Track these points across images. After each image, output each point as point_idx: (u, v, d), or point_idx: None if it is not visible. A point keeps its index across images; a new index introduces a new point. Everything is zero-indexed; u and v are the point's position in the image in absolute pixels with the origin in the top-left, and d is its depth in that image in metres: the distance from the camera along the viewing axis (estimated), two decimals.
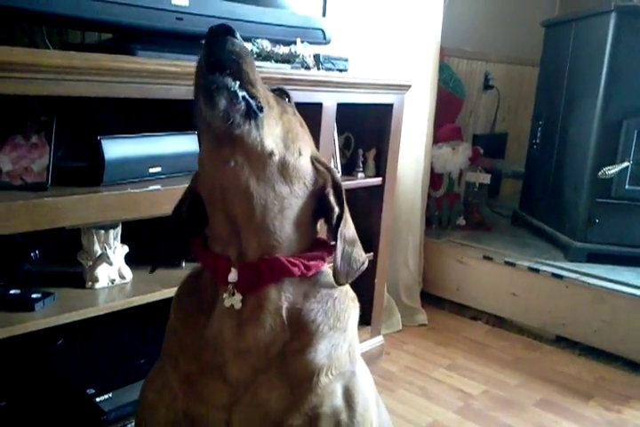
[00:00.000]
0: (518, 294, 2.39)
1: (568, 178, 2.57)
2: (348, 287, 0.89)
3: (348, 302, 0.87)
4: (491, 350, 2.22)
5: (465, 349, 2.21)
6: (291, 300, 0.80)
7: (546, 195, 2.76)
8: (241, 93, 0.71)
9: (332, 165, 1.69)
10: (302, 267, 0.80)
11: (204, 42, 0.72)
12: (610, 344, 2.15)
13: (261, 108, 0.74)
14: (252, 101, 0.72)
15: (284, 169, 0.77)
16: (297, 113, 0.86)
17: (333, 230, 0.84)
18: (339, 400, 0.81)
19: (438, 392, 1.88)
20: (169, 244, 0.89)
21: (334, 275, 0.83)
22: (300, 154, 0.80)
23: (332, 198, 0.83)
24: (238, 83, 0.71)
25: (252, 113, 0.72)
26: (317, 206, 0.84)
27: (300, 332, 0.80)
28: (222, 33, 0.71)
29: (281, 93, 0.84)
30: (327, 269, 0.87)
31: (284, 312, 0.80)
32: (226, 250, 0.79)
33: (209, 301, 0.83)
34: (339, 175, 0.86)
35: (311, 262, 0.81)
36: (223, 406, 0.79)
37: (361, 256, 0.87)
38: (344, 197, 0.85)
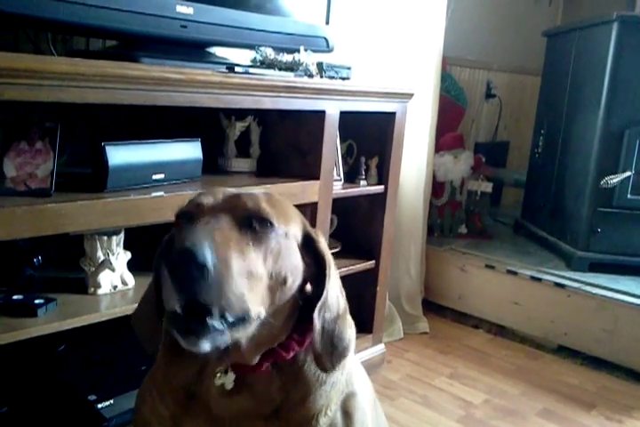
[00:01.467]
0: (520, 303, 2.38)
1: (570, 187, 2.57)
2: (346, 313, 0.79)
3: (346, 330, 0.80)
4: (492, 358, 2.21)
5: (467, 357, 2.20)
6: (288, 365, 0.77)
7: (548, 204, 2.76)
8: (228, 321, 0.64)
9: (335, 173, 1.69)
10: (296, 346, 0.76)
11: (171, 276, 0.61)
12: (612, 354, 2.14)
13: (250, 317, 0.67)
14: (238, 323, 0.66)
15: (275, 310, 0.72)
16: (281, 219, 0.73)
17: (312, 309, 0.75)
18: (338, 424, 0.80)
19: (440, 401, 1.87)
20: None
21: (316, 360, 0.75)
22: (284, 282, 0.71)
23: (312, 289, 0.78)
24: (222, 314, 0.63)
25: (239, 325, 0.66)
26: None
27: (300, 385, 0.77)
28: (193, 269, 0.59)
29: (262, 223, 0.70)
30: None
31: (281, 377, 0.77)
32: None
33: (191, 359, 0.79)
34: (330, 261, 0.78)
35: (304, 338, 0.77)
36: None
37: (345, 334, 0.76)
38: (330, 271, 0.76)
